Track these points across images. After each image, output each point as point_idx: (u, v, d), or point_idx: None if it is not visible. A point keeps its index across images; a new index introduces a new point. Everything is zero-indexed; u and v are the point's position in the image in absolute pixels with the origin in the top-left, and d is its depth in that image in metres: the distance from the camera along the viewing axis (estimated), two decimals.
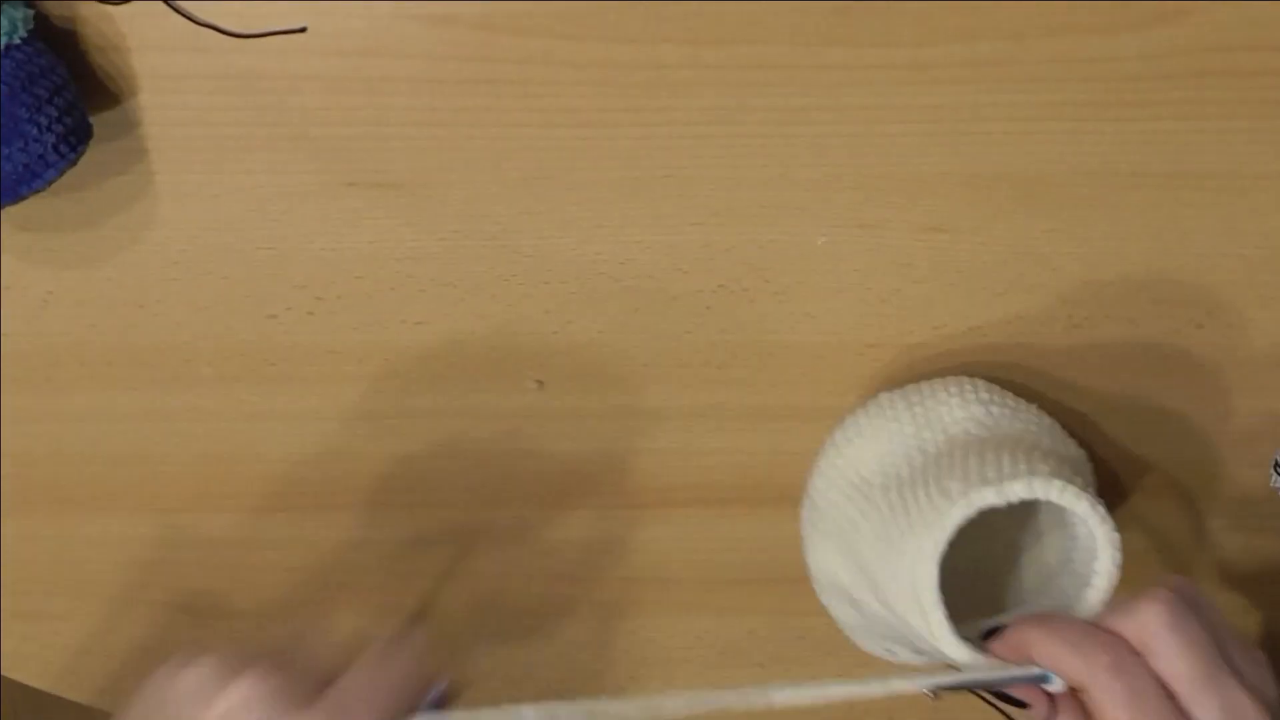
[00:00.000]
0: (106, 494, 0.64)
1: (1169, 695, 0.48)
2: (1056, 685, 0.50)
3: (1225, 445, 0.63)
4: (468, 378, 0.63)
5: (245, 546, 0.66)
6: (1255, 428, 0.63)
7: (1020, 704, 0.51)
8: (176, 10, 0.56)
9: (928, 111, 0.58)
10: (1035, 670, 0.50)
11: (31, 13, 0.54)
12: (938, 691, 0.51)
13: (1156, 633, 0.49)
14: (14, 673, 0.67)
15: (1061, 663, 0.49)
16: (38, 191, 0.54)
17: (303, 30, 0.56)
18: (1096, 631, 0.49)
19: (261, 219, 0.59)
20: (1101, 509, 0.52)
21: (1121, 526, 0.65)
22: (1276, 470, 0.63)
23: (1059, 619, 0.51)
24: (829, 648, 0.68)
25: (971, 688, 0.51)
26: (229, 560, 0.66)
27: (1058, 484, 0.51)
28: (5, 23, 0.52)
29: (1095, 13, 0.56)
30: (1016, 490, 0.51)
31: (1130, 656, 0.48)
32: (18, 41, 0.53)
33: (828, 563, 0.59)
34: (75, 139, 0.54)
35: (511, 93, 0.57)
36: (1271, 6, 0.56)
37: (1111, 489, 0.64)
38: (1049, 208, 0.59)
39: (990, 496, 0.51)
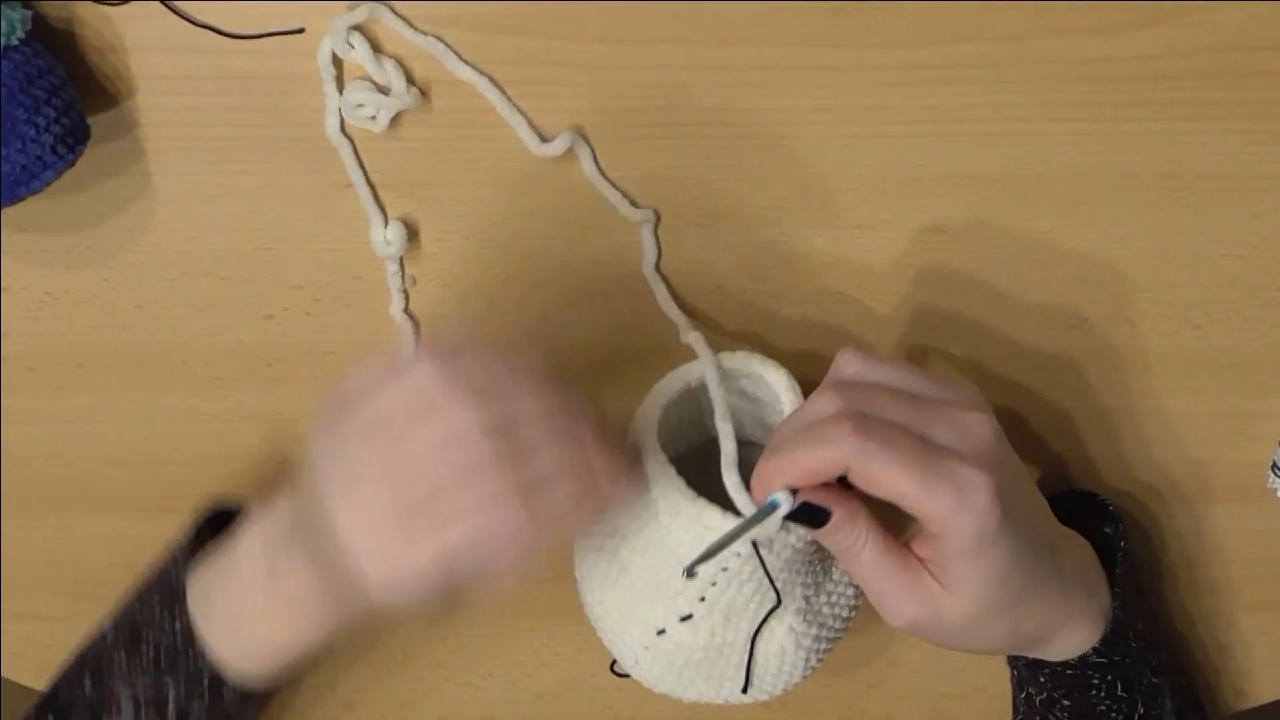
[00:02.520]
0: (105, 494, 0.64)
1: (916, 435, 0.48)
2: (784, 504, 0.49)
3: (1224, 446, 0.63)
4: None
5: None
6: (1254, 428, 0.63)
7: (821, 520, 0.50)
8: (174, 11, 0.56)
9: (927, 111, 0.58)
10: (765, 504, 0.49)
11: (29, 14, 0.54)
12: (693, 570, 0.51)
13: (851, 435, 0.48)
14: (13, 673, 0.67)
15: (815, 464, 0.48)
16: (36, 192, 0.54)
17: (301, 31, 0.56)
18: (819, 419, 0.49)
19: (259, 220, 0.59)
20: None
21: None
22: (1274, 471, 0.63)
23: (782, 441, 0.50)
24: None
25: (723, 546, 0.51)
26: None
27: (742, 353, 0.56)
28: (3, 24, 0.52)
29: (1094, 13, 0.56)
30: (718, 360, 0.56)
31: (863, 417, 0.48)
32: (15, 42, 0.53)
33: None
34: (73, 140, 0.54)
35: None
36: (1270, 6, 0.56)
37: (1110, 489, 0.64)
38: (1048, 208, 0.59)
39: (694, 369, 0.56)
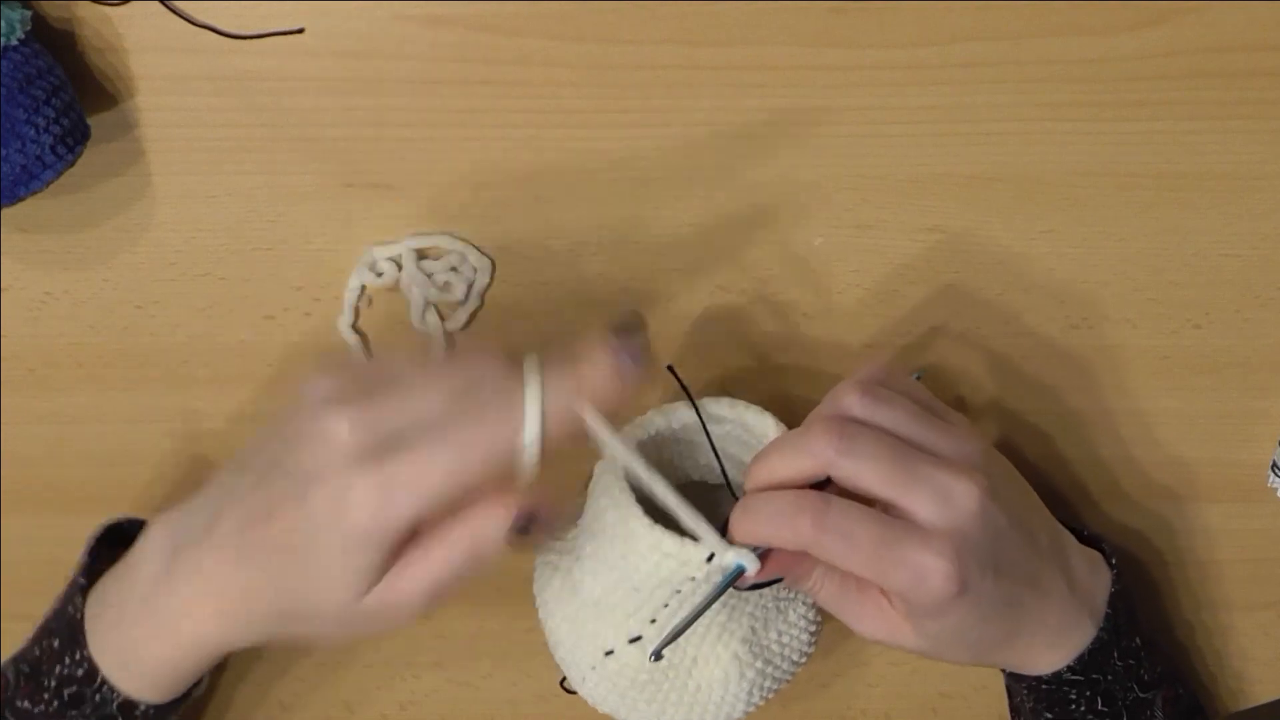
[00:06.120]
0: (105, 494, 0.64)
1: (879, 517, 0.49)
2: (751, 569, 0.50)
3: (1223, 445, 0.63)
4: None
5: None
6: (1254, 428, 0.63)
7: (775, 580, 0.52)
8: (174, 11, 0.56)
9: (926, 112, 0.58)
10: (730, 572, 0.50)
11: (29, 14, 0.54)
12: (660, 653, 0.52)
13: (832, 463, 0.49)
14: None
15: (776, 536, 0.49)
16: (35, 193, 0.54)
17: (300, 31, 0.56)
18: (787, 495, 0.49)
19: (258, 220, 0.59)
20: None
21: (1120, 526, 0.65)
22: (1274, 471, 0.63)
23: (752, 499, 0.50)
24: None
25: (692, 621, 0.51)
26: None
27: (726, 400, 0.56)
28: (3, 24, 0.52)
29: (1093, 13, 0.56)
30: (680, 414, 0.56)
31: (824, 506, 0.48)
32: (15, 43, 0.53)
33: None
34: (73, 140, 0.54)
35: (508, 93, 0.57)
36: (1270, 6, 0.56)
37: (1110, 489, 0.64)
38: (1046, 208, 0.59)
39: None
